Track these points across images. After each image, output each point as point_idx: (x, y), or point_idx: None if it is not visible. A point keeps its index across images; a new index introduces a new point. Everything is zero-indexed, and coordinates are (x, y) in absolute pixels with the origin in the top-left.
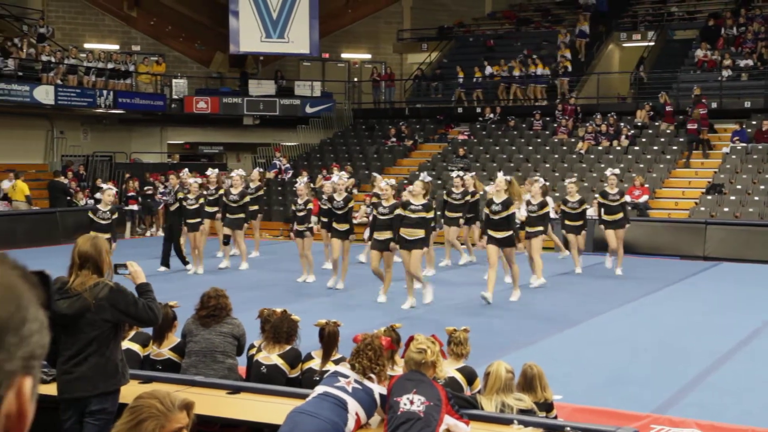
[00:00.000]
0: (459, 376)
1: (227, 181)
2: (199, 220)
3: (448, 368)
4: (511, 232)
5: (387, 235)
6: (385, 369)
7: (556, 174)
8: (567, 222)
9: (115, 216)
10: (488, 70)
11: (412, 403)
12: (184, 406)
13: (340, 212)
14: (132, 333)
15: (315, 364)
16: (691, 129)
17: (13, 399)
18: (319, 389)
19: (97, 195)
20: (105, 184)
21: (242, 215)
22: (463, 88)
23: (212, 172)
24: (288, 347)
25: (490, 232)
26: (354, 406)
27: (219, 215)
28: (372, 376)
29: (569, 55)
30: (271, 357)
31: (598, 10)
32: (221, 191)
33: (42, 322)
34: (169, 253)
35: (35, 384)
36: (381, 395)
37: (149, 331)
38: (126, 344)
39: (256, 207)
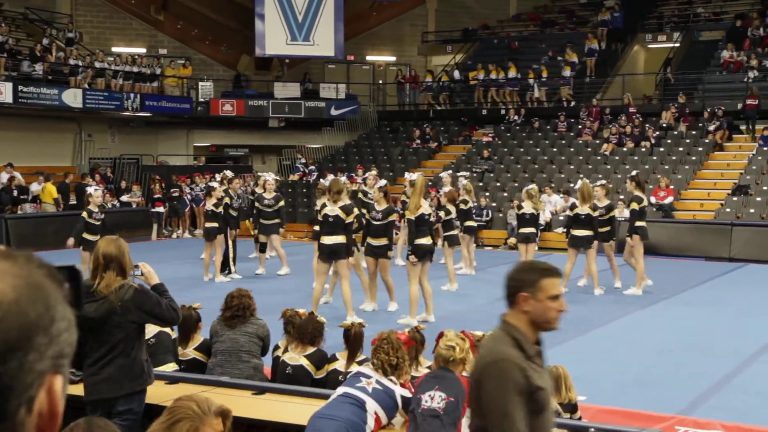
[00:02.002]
0: None
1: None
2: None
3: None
4: (387, 241)
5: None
6: (406, 362)
7: (581, 176)
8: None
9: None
10: (456, 75)
11: (432, 399)
12: (221, 413)
13: (377, 224)
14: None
15: (340, 365)
16: (751, 105)
17: (45, 398)
18: (340, 390)
19: (123, 197)
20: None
21: (278, 220)
22: (431, 92)
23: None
24: (313, 348)
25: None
26: (373, 406)
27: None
28: (393, 378)
29: (568, 72)
30: (297, 358)
31: (613, 26)
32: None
33: (70, 321)
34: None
35: (65, 382)
36: (403, 397)
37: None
38: None
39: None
